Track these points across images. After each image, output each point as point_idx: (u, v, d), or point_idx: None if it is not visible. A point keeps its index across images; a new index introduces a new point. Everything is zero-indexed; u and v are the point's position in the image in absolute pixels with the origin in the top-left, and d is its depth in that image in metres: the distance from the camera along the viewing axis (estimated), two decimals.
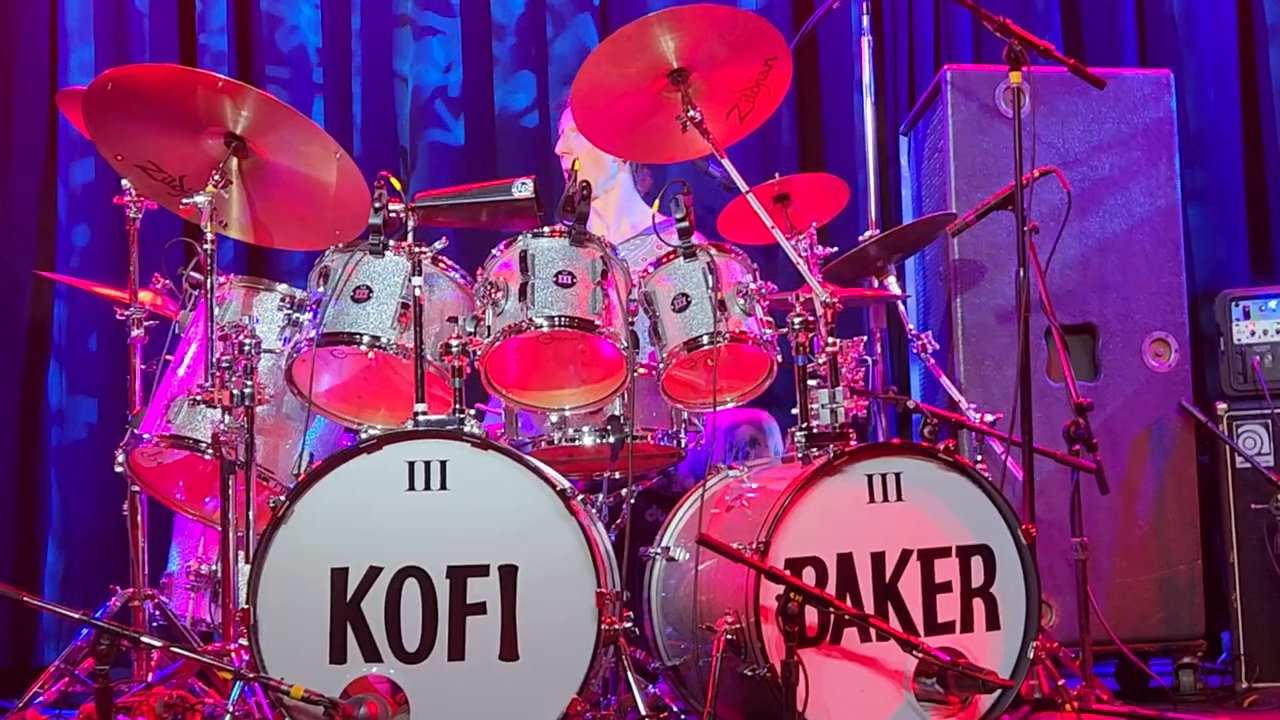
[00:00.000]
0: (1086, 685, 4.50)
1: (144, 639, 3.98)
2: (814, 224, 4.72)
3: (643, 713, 3.99)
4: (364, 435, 4.06)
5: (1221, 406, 5.58)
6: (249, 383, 4.17)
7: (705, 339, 4.32)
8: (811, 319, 4.29)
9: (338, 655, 3.89)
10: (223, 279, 4.51)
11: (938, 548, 4.09)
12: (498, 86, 6.83)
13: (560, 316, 4.23)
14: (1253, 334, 5.68)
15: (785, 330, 4.32)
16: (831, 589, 3.97)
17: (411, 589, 3.91)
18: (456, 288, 4.43)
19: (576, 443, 4.48)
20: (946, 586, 4.08)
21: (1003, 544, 4.13)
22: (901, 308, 5.33)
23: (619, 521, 4.47)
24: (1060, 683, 4.25)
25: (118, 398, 5.54)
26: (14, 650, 6.42)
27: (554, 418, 4.47)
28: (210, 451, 4.30)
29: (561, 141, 5.72)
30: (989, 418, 4.77)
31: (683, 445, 4.58)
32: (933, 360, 5.07)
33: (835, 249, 4.80)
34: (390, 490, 3.96)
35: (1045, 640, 4.23)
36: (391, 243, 4.31)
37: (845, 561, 4.01)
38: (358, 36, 6.80)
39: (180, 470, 4.69)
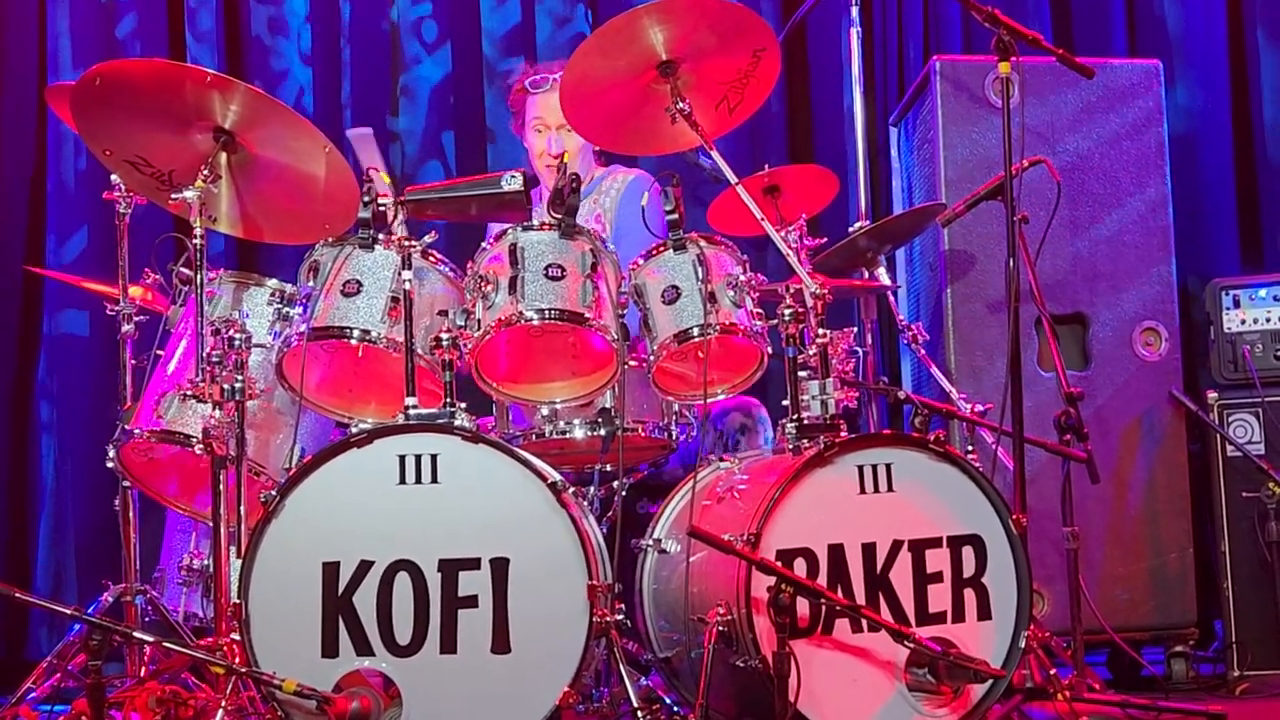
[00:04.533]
0: (1078, 674, 4.50)
1: (136, 634, 3.98)
2: (804, 215, 4.72)
3: (635, 705, 4.00)
4: (354, 429, 4.06)
5: (1212, 395, 5.58)
6: (239, 377, 4.17)
7: (695, 331, 4.33)
8: (802, 310, 4.29)
9: (330, 649, 3.89)
10: (212, 274, 4.51)
11: (929, 538, 4.09)
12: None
13: (550, 309, 4.24)
14: (1243, 323, 5.68)
15: (775, 322, 4.33)
16: (823, 580, 3.97)
17: (403, 582, 3.91)
18: (446, 281, 4.43)
19: (567, 435, 4.49)
20: (938, 577, 4.09)
21: (994, 534, 4.14)
22: (892, 298, 5.33)
23: (610, 514, 4.48)
24: (1052, 672, 4.25)
25: (108, 393, 5.53)
26: (6, 645, 6.42)
27: (545, 411, 4.48)
28: (201, 446, 4.29)
29: (553, 142, 5.53)
30: (979, 408, 4.77)
31: (674, 437, 4.59)
32: (923, 351, 5.07)
33: (825, 240, 4.80)
34: (381, 484, 3.96)
35: (1037, 630, 4.24)
36: (381, 236, 4.31)
37: (836, 552, 4.01)
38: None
39: (171, 466, 4.69)
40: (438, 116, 6.83)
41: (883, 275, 5.23)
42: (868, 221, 5.56)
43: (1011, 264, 4.62)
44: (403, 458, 3.97)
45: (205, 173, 4.32)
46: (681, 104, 4.51)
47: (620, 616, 4.03)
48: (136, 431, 4.48)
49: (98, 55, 6.54)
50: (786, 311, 4.28)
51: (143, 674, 4.49)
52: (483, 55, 6.81)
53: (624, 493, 4.49)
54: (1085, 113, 5.62)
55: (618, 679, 4.07)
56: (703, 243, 4.44)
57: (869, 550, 4.04)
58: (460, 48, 6.85)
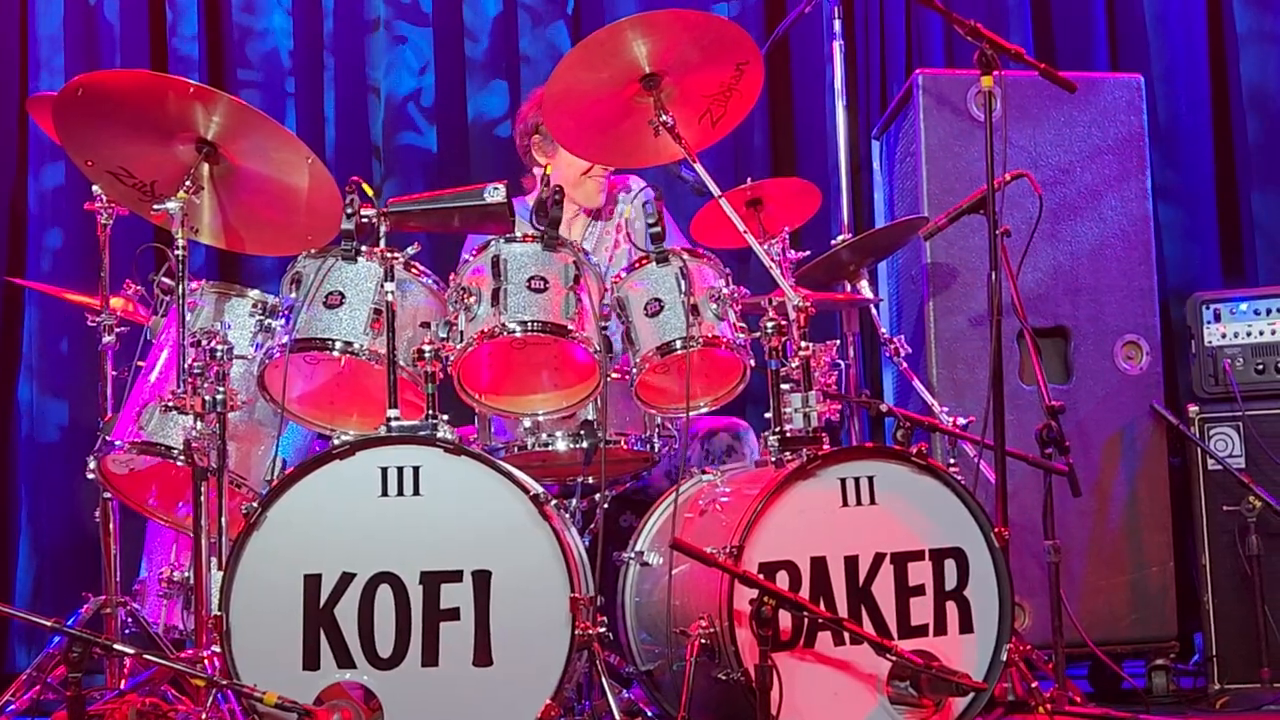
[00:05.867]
0: (1059, 687, 4.51)
1: (116, 646, 3.97)
2: (786, 229, 4.73)
3: (617, 718, 3.99)
4: (337, 441, 4.05)
5: (1193, 409, 5.60)
6: (221, 389, 4.16)
7: (678, 343, 4.32)
8: (784, 323, 4.30)
9: (311, 662, 3.88)
10: (194, 285, 4.50)
11: (911, 551, 4.10)
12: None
13: (533, 321, 4.23)
14: (1224, 336, 5.70)
15: (758, 334, 4.33)
16: (805, 593, 3.98)
17: (385, 595, 3.90)
18: (429, 293, 4.43)
19: (550, 448, 4.48)
20: (920, 590, 4.09)
21: (975, 547, 4.14)
22: (874, 311, 5.34)
23: (592, 526, 4.47)
24: (1033, 685, 4.26)
25: (89, 404, 5.52)
26: None
27: (527, 423, 4.47)
28: (182, 458, 4.28)
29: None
30: (961, 421, 4.78)
31: (656, 450, 4.58)
32: (905, 364, 5.08)
33: (808, 253, 4.81)
34: (363, 496, 3.96)
35: (1018, 643, 4.24)
36: (364, 248, 4.30)
37: (819, 565, 4.02)
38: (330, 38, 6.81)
39: (152, 477, 4.67)
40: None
41: (865, 288, 5.23)
42: (850, 235, 5.57)
43: (994, 277, 4.63)
44: (385, 470, 3.97)
45: (188, 184, 4.30)
46: (665, 117, 4.52)
47: (602, 629, 4.02)
48: (118, 443, 4.46)
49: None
50: (769, 324, 4.29)
51: (123, 686, 4.47)
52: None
53: (606, 505, 4.49)
54: (1067, 126, 5.64)
55: (599, 692, 4.06)
56: (685, 255, 4.44)
57: (851, 563, 4.05)
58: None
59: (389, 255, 4.23)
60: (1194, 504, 5.55)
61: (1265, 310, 5.68)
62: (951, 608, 4.12)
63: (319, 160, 4.35)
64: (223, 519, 4.17)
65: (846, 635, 3.96)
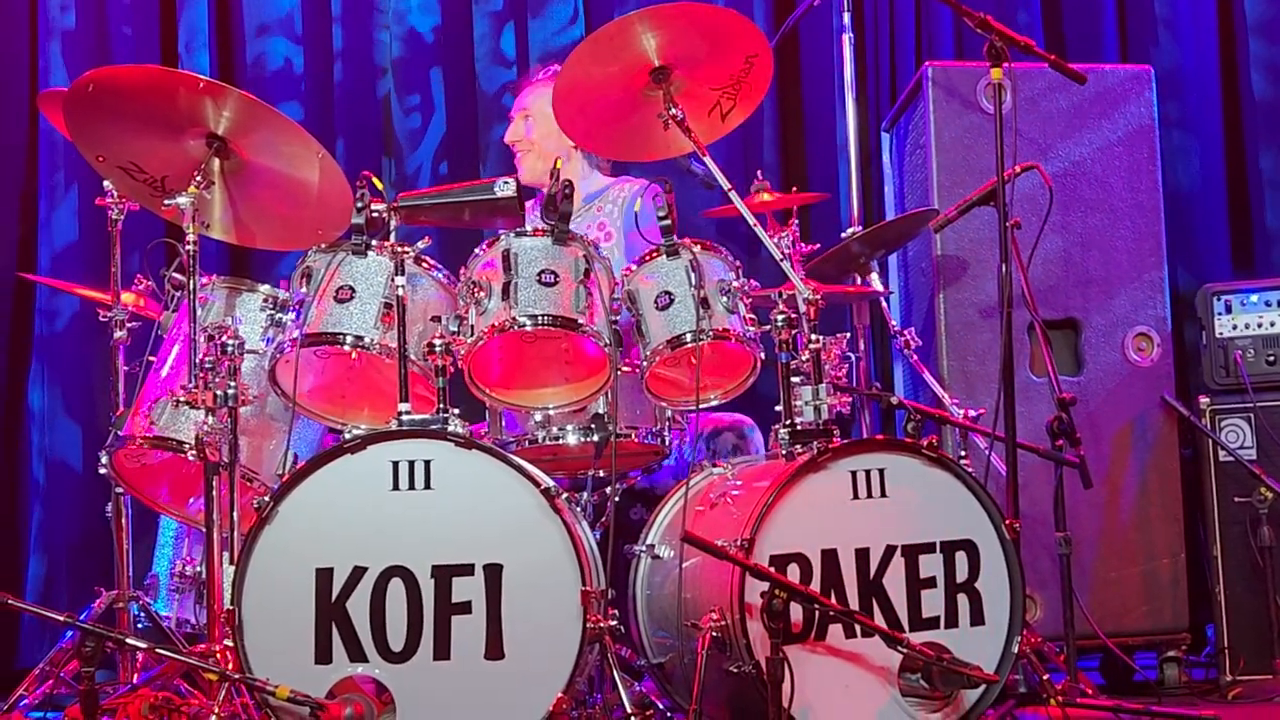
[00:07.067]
0: (1071, 679, 4.51)
1: (129, 640, 3.97)
2: (795, 222, 4.71)
3: (628, 710, 3.99)
4: (348, 435, 4.06)
5: (1204, 400, 5.59)
6: (232, 383, 4.16)
7: (688, 336, 4.32)
8: (795, 316, 4.29)
9: (323, 656, 3.88)
10: (205, 280, 4.51)
11: (922, 543, 4.10)
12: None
13: (543, 315, 4.23)
14: (1235, 328, 5.69)
15: (768, 327, 4.33)
16: (816, 585, 3.97)
17: (396, 589, 3.91)
18: (439, 287, 4.43)
19: (560, 441, 4.49)
20: (931, 582, 4.09)
21: (987, 539, 4.14)
22: (884, 304, 5.34)
23: (603, 520, 4.47)
24: (1045, 677, 4.26)
25: (100, 400, 5.53)
26: None
27: (538, 416, 4.48)
28: (194, 453, 4.29)
29: (512, 129, 5.69)
30: (972, 413, 4.78)
31: (667, 443, 4.59)
32: (916, 356, 5.08)
33: (818, 245, 4.80)
34: (374, 490, 3.96)
35: (1029, 635, 4.24)
36: (374, 242, 4.31)
37: (830, 558, 4.02)
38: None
39: (164, 472, 4.68)
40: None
41: (875, 281, 5.23)
42: (860, 227, 5.57)
43: (1004, 269, 4.63)
44: (396, 464, 3.97)
45: (198, 179, 4.31)
46: (674, 110, 4.51)
47: (614, 622, 4.02)
48: (129, 438, 4.47)
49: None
50: (779, 317, 4.28)
51: (135, 681, 4.48)
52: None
53: (617, 498, 4.49)
54: (1077, 118, 5.63)
55: (611, 685, 4.07)
56: (696, 248, 4.44)
57: (862, 555, 4.04)
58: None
59: (399, 249, 4.23)
60: (1205, 495, 5.55)
61: (1276, 301, 5.67)
62: (963, 600, 4.11)
63: (329, 155, 4.36)
64: (234, 513, 4.18)
65: (858, 628, 3.96)
